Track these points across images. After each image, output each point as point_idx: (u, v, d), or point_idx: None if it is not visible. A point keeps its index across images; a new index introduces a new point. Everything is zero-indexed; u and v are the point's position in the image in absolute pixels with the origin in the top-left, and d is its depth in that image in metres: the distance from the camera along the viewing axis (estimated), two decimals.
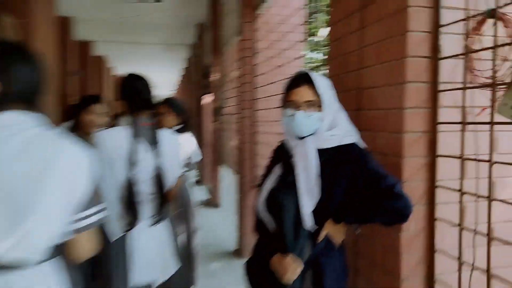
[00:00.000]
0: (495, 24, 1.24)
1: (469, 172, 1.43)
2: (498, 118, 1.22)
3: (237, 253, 4.19)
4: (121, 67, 12.29)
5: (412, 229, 1.40)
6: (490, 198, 1.21)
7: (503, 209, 1.31)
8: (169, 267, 1.88)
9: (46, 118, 1.08)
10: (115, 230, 1.73)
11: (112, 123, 2.46)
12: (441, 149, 1.39)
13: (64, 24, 6.14)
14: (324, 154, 1.41)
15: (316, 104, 1.41)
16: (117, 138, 1.75)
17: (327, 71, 2.07)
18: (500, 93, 1.22)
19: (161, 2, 5.71)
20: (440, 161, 1.40)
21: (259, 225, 1.56)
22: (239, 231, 4.20)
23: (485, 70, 1.30)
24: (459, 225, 1.35)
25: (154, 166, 1.78)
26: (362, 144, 1.43)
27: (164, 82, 16.41)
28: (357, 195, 1.36)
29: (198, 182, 8.29)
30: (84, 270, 1.27)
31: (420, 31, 1.38)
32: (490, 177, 1.21)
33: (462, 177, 1.34)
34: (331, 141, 1.41)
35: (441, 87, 1.39)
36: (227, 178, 6.39)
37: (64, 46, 5.92)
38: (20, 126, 1.00)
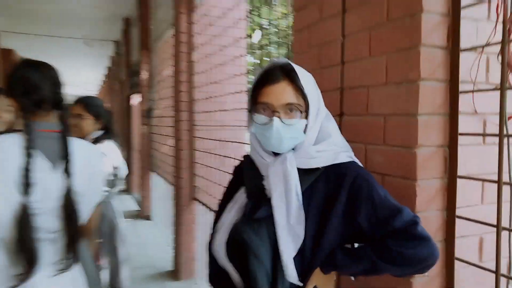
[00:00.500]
0: None
1: (488, 195, 1.13)
2: None
3: (173, 274, 3.70)
4: None
5: (426, 273, 1.05)
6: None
7: None
8: None
9: None
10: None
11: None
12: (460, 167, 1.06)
13: None
14: (309, 177, 1.01)
15: (299, 108, 1.00)
16: (3, 150, 1.19)
17: None
18: None
19: None
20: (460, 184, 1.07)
21: (217, 278, 1.12)
22: (175, 250, 3.67)
23: None
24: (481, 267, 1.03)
25: (61, 191, 1.24)
26: (359, 163, 1.05)
27: (86, 81, 15.15)
28: (359, 236, 0.98)
29: (126, 191, 7.54)
30: None
31: (436, 13, 1.04)
32: None
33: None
34: (319, 160, 1.01)
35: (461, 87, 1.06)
36: (159, 187, 5.78)
37: None
38: None
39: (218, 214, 1.17)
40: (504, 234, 1.01)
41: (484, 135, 1.12)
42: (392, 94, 1.11)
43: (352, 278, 1.05)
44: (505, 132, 0.97)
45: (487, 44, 1.05)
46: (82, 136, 2.11)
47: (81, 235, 1.34)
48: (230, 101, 2.92)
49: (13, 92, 1.26)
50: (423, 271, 0.95)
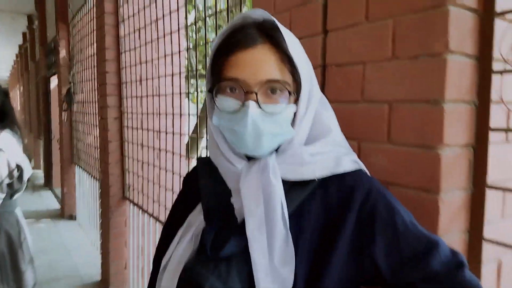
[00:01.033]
0: None
1: (509, 208, 0.89)
2: None
3: (102, 284, 3.19)
4: None
5: None
6: None
7: None
8: None
9: None
10: None
11: None
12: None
13: None
14: (299, 192, 0.68)
15: (287, 87, 0.66)
16: None
17: None
18: None
19: None
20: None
21: None
22: (103, 258, 3.18)
23: None
24: None
25: None
26: (367, 171, 0.74)
27: None
28: (373, 280, 0.67)
29: (45, 186, 6.73)
30: None
31: None
32: None
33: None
34: (313, 167, 0.68)
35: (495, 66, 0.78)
36: (84, 183, 5.15)
37: None
38: None
39: (165, 243, 0.80)
40: None
41: None
42: (403, 72, 0.81)
43: None
44: None
45: None
46: None
47: None
48: (167, 85, 2.48)
49: None
50: None
